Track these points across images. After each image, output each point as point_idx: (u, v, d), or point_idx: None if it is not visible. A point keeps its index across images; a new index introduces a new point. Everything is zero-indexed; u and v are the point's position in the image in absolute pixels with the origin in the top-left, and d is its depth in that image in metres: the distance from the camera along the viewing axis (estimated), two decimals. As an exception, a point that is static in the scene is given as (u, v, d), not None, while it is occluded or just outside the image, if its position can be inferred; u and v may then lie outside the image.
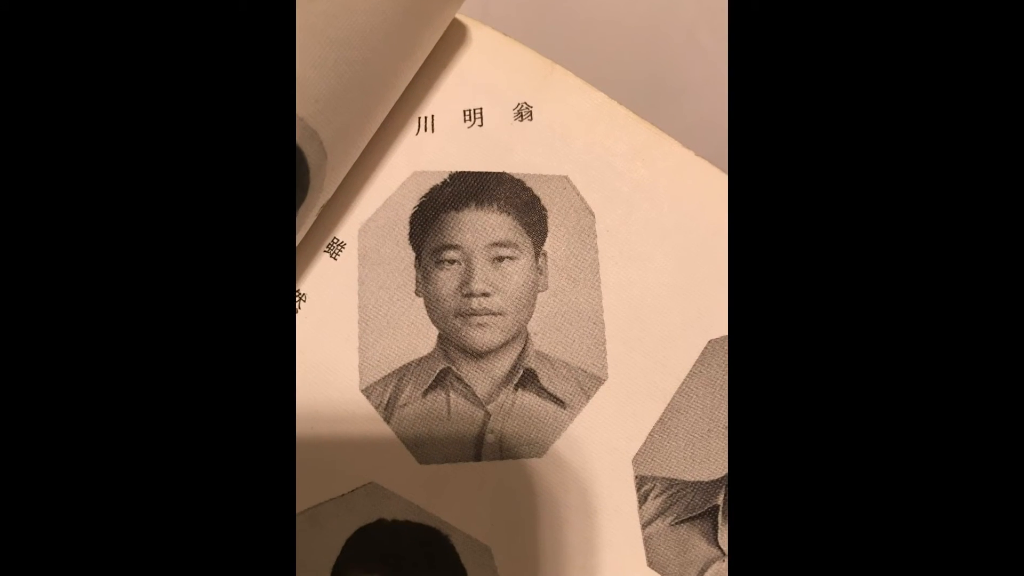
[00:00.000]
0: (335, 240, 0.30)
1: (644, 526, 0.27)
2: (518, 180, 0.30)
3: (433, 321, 0.29)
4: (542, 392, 0.28)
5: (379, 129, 0.30)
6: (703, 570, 0.27)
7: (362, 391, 0.28)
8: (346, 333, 0.29)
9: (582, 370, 0.28)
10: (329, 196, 0.28)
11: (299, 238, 0.28)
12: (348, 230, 0.30)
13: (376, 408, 0.28)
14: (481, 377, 0.28)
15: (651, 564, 0.27)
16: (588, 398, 0.28)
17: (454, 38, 0.32)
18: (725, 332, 0.29)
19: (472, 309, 0.29)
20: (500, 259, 0.29)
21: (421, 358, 0.29)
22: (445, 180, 0.30)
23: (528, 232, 0.30)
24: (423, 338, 0.29)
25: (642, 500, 0.27)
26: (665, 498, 0.27)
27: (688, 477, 0.27)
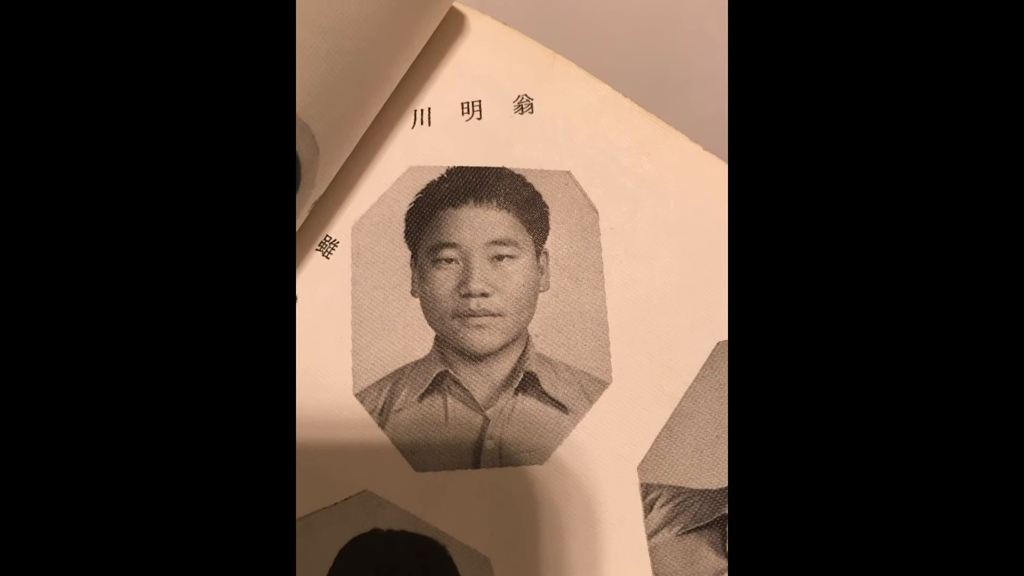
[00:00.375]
0: (327, 238, 0.30)
1: (650, 536, 0.27)
2: (518, 175, 0.30)
3: (430, 322, 0.29)
4: (543, 396, 0.28)
5: (373, 122, 0.30)
6: (711, 582, 0.27)
7: (356, 395, 0.28)
8: (339, 335, 0.29)
9: (585, 373, 0.28)
10: (321, 192, 0.28)
11: (290, 236, 0.28)
12: (341, 228, 0.30)
13: (370, 413, 0.28)
14: (480, 381, 0.28)
15: (657, 576, 0.27)
16: (591, 403, 0.28)
17: (451, 27, 0.31)
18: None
19: (470, 310, 0.29)
20: (499, 258, 0.29)
21: (417, 361, 0.28)
22: (442, 175, 0.30)
23: (529, 230, 0.30)
24: (419, 340, 0.29)
25: (648, 509, 0.27)
26: (672, 507, 0.27)
27: (696, 485, 0.27)
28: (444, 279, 0.29)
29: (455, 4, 0.31)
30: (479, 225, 0.29)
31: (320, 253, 0.29)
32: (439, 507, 0.27)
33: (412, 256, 0.29)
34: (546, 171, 0.30)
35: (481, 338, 0.28)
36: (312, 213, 0.29)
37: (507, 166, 0.30)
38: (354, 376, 0.28)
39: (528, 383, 0.28)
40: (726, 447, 0.27)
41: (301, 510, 0.27)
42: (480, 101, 0.31)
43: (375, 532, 0.27)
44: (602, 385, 0.28)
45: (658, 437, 0.28)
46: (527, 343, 0.29)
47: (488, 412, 0.28)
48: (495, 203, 0.30)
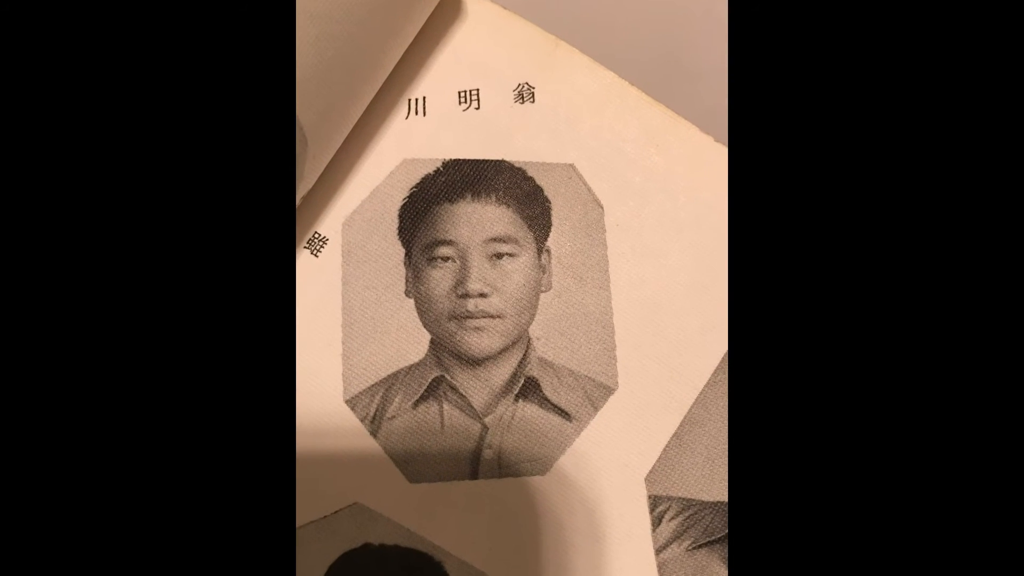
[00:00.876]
0: (316, 235, 0.29)
1: (658, 551, 0.27)
2: (519, 168, 0.30)
3: (425, 325, 0.28)
4: (545, 403, 0.28)
5: (365, 112, 0.30)
6: (723, 599, 0.27)
7: (346, 402, 0.28)
8: (329, 338, 0.28)
9: (589, 379, 0.28)
10: (310, 186, 0.28)
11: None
12: (331, 224, 0.30)
13: (362, 421, 0.28)
14: (478, 386, 0.28)
15: (666, 593, 0.26)
16: (596, 410, 0.28)
17: (448, 12, 0.31)
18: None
19: (468, 311, 0.28)
20: (499, 256, 0.29)
21: (411, 366, 0.28)
22: (438, 169, 0.30)
23: (530, 226, 0.29)
24: (414, 343, 0.28)
25: (656, 522, 0.27)
26: (681, 520, 0.27)
27: (707, 497, 0.27)
28: (440, 279, 0.29)
29: (452, -13, 0.31)
30: (477, 221, 0.29)
31: (309, 251, 0.29)
32: (435, 520, 0.27)
33: (406, 254, 0.29)
34: (548, 164, 0.30)
35: (479, 341, 0.28)
36: (300, 209, 0.29)
37: (507, 159, 0.30)
38: (344, 381, 0.28)
39: (529, 389, 0.28)
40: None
41: (288, 523, 0.27)
42: (478, 90, 0.31)
43: (367, 547, 0.26)
44: (607, 391, 0.28)
45: (667, 446, 0.27)
46: (528, 346, 0.28)
47: (487, 420, 0.28)
48: (494, 198, 0.29)
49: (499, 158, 0.30)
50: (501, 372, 0.28)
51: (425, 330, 0.28)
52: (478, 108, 0.31)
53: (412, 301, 0.29)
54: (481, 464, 0.27)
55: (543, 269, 0.29)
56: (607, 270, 0.29)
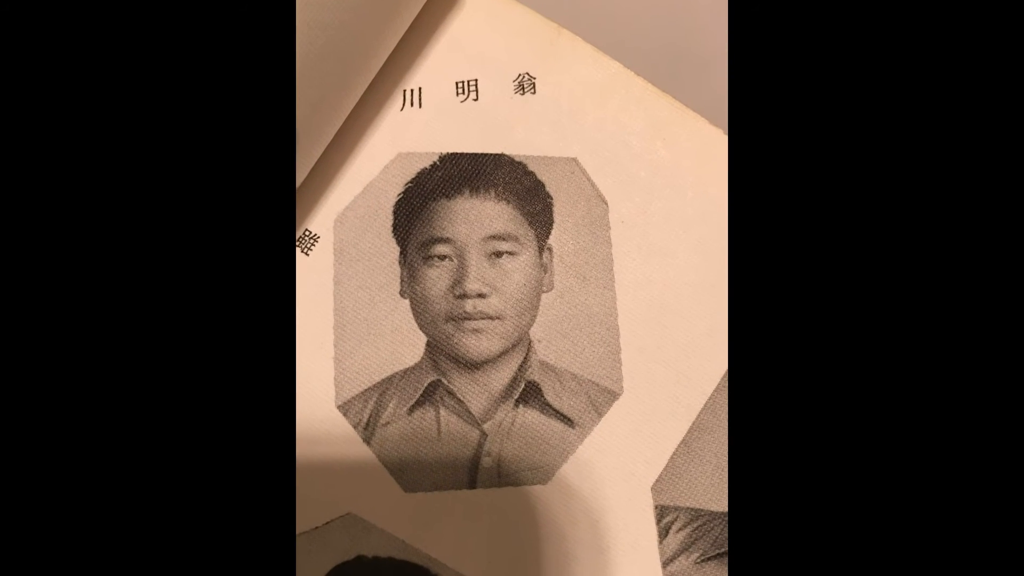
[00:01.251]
0: (307, 233, 0.29)
1: (665, 564, 0.27)
2: (519, 163, 0.30)
3: (420, 326, 0.28)
4: (547, 408, 0.28)
5: (358, 104, 0.30)
6: (733, 614, 0.26)
7: (338, 407, 0.28)
8: (320, 340, 0.28)
9: (593, 383, 0.28)
10: (300, 181, 0.28)
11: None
12: (322, 221, 0.30)
13: (355, 427, 0.28)
14: (476, 391, 0.28)
15: (673, 607, 0.26)
16: (600, 415, 0.28)
17: (445, -2, 0.31)
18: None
19: (466, 312, 0.28)
20: (498, 254, 0.29)
21: (407, 369, 0.28)
22: (435, 163, 0.30)
23: (531, 223, 0.29)
24: (409, 346, 0.28)
25: (663, 534, 0.27)
26: (689, 531, 0.27)
27: (716, 507, 0.27)
28: (436, 278, 0.29)
29: (449, -27, 0.31)
30: (475, 218, 0.29)
31: (299, 249, 0.29)
32: (431, 531, 0.27)
33: (401, 252, 0.29)
34: (550, 158, 0.30)
35: (478, 344, 0.28)
36: (290, 205, 0.29)
37: (506, 152, 0.30)
38: (337, 386, 0.28)
39: (530, 394, 0.28)
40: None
41: (278, 534, 0.27)
42: (476, 80, 0.31)
43: (360, 560, 0.26)
44: (612, 396, 0.28)
45: (674, 454, 0.27)
46: (528, 349, 0.28)
47: (485, 426, 0.28)
48: (493, 193, 0.29)
49: (499, 152, 0.30)
50: (500, 376, 0.28)
51: (421, 332, 0.28)
52: (476, 99, 0.30)
53: (407, 302, 0.29)
54: (480, 473, 0.27)
55: (544, 268, 0.29)
56: (611, 269, 0.29)
